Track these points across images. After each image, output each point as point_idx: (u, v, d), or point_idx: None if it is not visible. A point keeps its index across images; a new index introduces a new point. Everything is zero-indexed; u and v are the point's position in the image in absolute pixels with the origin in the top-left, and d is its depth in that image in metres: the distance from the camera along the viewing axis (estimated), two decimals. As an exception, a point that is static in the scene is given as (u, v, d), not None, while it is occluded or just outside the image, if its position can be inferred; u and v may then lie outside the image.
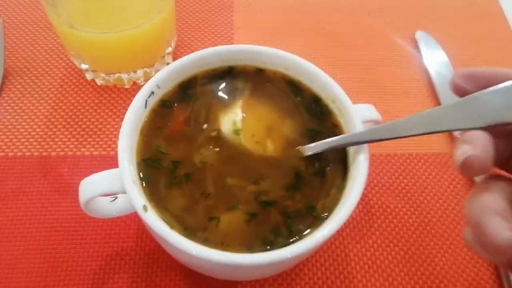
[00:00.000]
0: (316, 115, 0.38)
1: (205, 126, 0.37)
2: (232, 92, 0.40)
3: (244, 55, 0.40)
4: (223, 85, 0.40)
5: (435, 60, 0.57)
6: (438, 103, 0.53)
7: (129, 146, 0.33)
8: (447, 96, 0.53)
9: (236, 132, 0.36)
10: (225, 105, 0.38)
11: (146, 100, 0.36)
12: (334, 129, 0.37)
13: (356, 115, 0.36)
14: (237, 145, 0.36)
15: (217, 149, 0.35)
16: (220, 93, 0.39)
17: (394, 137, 0.31)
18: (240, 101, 0.38)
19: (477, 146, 0.25)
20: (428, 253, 0.43)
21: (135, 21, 0.42)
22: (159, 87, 0.37)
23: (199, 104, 0.38)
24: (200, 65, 0.39)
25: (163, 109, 0.37)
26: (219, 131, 0.36)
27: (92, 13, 0.41)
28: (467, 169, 0.25)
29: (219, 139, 0.36)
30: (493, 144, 0.26)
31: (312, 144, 0.35)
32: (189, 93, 0.38)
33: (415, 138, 0.49)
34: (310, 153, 0.35)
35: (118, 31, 0.42)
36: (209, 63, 0.39)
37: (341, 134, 0.37)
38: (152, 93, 0.36)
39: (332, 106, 0.38)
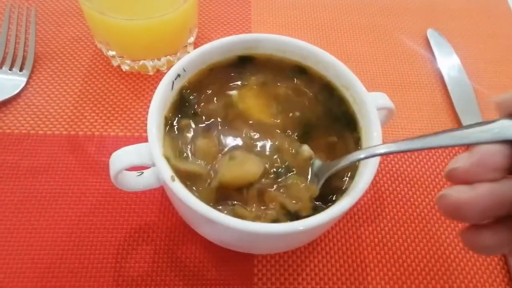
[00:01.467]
0: (331, 102, 0.40)
1: (226, 109, 0.39)
2: (252, 77, 0.42)
3: (265, 44, 0.42)
4: (243, 70, 0.42)
5: (446, 57, 0.59)
6: (449, 98, 0.55)
7: (157, 122, 0.35)
8: (456, 90, 0.55)
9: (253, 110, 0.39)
10: (246, 87, 0.40)
11: (173, 82, 0.38)
12: (348, 115, 0.39)
13: (371, 102, 0.38)
14: (257, 123, 0.38)
15: (240, 128, 0.37)
16: (241, 78, 0.41)
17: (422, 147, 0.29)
18: (257, 85, 0.40)
19: (474, 158, 0.24)
20: (438, 238, 0.44)
21: (161, 9, 0.45)
22: (185, 70, 0.39)
23: (221, 88, 0.40)
24: (222, 52, 0.41)
25: (188, 91, 0.39)
26: (239, 114, 0.38)
27: (121, 1, 0.44)
28: (449, 179, 0.25)
29: (240, 119, 0.38)
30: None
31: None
32: (212, 77, 0.40)
33: (428, 127, 0.52)
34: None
35: (145, 18, 0.44)
36: (231, 50, 0.41)
37: (354, 120, 0.38)
38: (178, 75, 0.39)
39: (347, 94, 0.40)
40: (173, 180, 0.32)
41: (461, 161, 0.24)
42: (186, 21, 0.49)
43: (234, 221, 0.31)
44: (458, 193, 0.24)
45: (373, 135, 0.35)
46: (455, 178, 0.25)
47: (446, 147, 0.32)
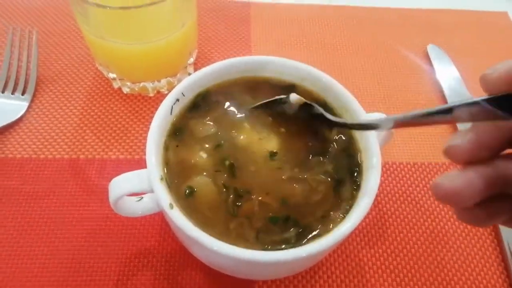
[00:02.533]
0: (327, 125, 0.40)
1: (225, 133, 0.39)
2: (250, 100, 0.42)
3: (262, 66, 0.42)
4: (243, 94, 0.42)
5: (446, 73, 0.59)
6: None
7: (156, 148, 0.35)
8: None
9: (251, 141, 0.38)
10: (243, 112, 0.40)
11: (172, 107, 0.38)
12: (346, 137, 0.39)
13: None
14: (254, 153, 0.38)
15: (237, 155, 0.37)
16: (240, 101, 0.41)
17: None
18: (257, 110, 0.40)
19: (471, 137, 0.25)
20: (441, 260, 0.44)
21: (161, 33, 0.45)
22: (183, 95, 0.39)
23: (220, 112, 0.40)
24: (221, 75, 0.41)
25: (187, 115, 0.39)
26: (238, 139, 0.38)
27: (121, 26, 0.44)
28: (447, 156, 0.26)
29: (238, 147, 0.38)
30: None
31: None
32: (211, 100, 0.41)
33: (428, 146, 0.51)
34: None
35: (145, 42, 0.45)
36: (229, 73, 0.42)
37: (353, 142, 0.38)
38: (177, 100, 0.39)
39: (346, 115, 0.40)
40: (172, 207, 0.32)
41: (459, 139, 0.25)
42: (185, 44, 0.50)
43: (234, 250, 0.31)
44: (451, 181, 0.25)
45: (372, 161, 0.35)
46: (452, 155, 0.26)
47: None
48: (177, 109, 0.39)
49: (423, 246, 0.45)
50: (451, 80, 0.58)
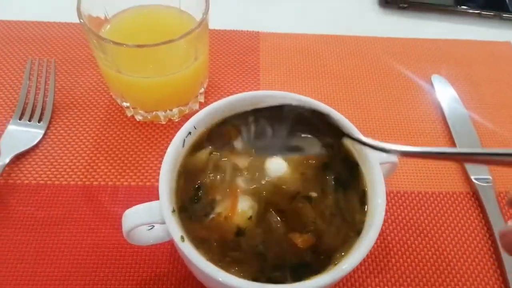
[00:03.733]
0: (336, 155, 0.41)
1: (236, 168, 0.40)
2: (260, 132, 0.43)
3: (269, 100, 0.43)
4: (251, 126, 0.43)
5: (450, 103, 0.60)
6: (454, 146, 0.56)
7: (168, 181, 0.37)
8: (462, 139, 0.56)
9: (266, 177, 0.40)
10: (254, 145, 0.42)
11: (184, 140, 0.40)
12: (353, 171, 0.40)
13: (374, 157, 0.39)
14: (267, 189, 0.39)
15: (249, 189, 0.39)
16: (250, 133, 0.43)
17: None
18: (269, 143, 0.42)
19: None
20: (447, 285, 0.45)
21: (174, 68, 0.47)
22: (195, 128, 0.41)
23: (230, 145, 0.42)
24: (231, 108, 0.43)
25: (200, 147, 0.41)
26: (250, 173, 0.40)
27: (136, 61, 0.46)
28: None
29: (251, 181, 0.39)
30: None
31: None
32: (222, 133, 0.42)
33: (433, 176, 0.52)
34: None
35: (159, 76, 0.47)
36: (238, 106, 0.43)
37: (360, 172, 0.40)
38: (189, 133, 0.40)
39: (351, 148, 0.41)
40: (183, 240, 0.34)
41: None
42: (197, 76, 0.52)
43: (245, 283, 0.32)
44: None
45: (377, 201, 0.36)
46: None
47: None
48: (189, 142, 0.41)
49: (427, 275, 0.45)
50: (455, 109, 0.59)
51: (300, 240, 0.36)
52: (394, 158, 0.41)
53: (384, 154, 0.41)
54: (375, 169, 0.38)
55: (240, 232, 0.36)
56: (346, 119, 0.41)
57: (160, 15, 0.53)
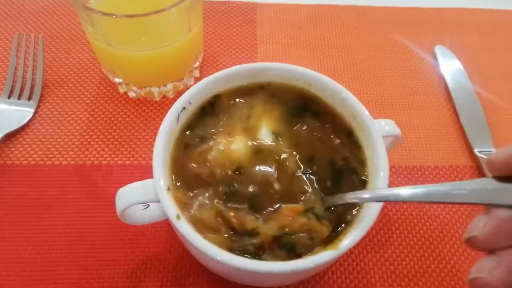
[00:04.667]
0: (336, 132, 0.40)
1: (233, 140, 0.39)
2: (257, 107, 0.42)
3: (269, 72, 0.42)
4: (249, 100, 0.42)
5: (454, 75, 0.58)
6: (457, 116, 0.54)
7: (162, 158, 0.35)
8: (465, 109, 0.54)
9: (260, 145, 0.39)
10: (251, 119, 0.40)
11: (178, 115, 0.38)
12: (353, 146, 0.39)
13: (376, 131, 0.38)
14: (263, 161, 0.38)
15: (244, 164, 0.37)
16: (247, 108, 0.41)
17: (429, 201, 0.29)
18: (265, 117, 0.41)
19: (491, 226, 0.25)
20: (446, 263, 0.44)
21: (167, 40, 0.45)
22: (190, 103, 0.39)
23: (227, 119, 0.40)
24: (227, 82, 0.41)
25: (194, 123, 0.39)
26: (245, 146, 0.38)
27: (127, 33, 0.44)
28: (469, 246, 0.26)
29: (246, 154, 0.38)
30: None
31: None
32: (217, 108, 0.41)
33: (436, 149, 0.51)
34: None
35: (152, 49, 0.45)
36: (235, 79, 0.41)
37: (361, 148, 0.38)
38: (184, 108, 0.39)
39: (353, 122, 0.40)
40: (178, 218, 0.32)
41: (479, 229, 0.25)
42: (191, 49, 0.50)
43: (240, 261, 0.31)
44: (490, 273, 0.24)
45: (379, 175, 0.35)
46: (475, 246, 0.26)
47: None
48: (184, 118, 0.39)
49: (429, 250, 0.45)
50: (459, 81, 0.57)
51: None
52: (397, 131, 0.40)
53: (386, 127, 0.40)
54: (377, 142, 0.37)
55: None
56: (354, 97, 0.39)
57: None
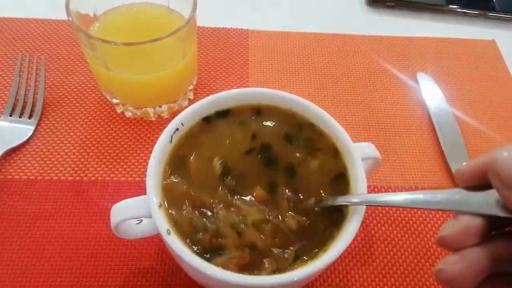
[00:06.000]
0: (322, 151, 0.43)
1: (219, 163, 0.41)
2: (245, 127, 0.44)
3: (256, 96, 0.44)
4: (237, 121, 0.44)
5: (435, 101, 0.61)
6: (438, 143, 0.57)
7: (155, 177, 0.38)
8: (446, 137, 0.57)
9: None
10: (239, 139, 0.43)
11: (171, 136, 0.41)
12: (338, 165, 0.42)
13: (357, 153, 0.40)
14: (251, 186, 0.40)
15: (232, 188, 0.40)
16: (235, 129, 0.44)
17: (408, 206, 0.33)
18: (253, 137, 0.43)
19: (459, 227, 0.28)
20: (426, 281, 0.46)
21: (163, 65, 0.48)
22: (182, 124, 0.42)
23: (218, 139, 0.43)
24: (218, 104, 0.44)
25: (186, 144, 0.42)
26: (233, 170, 0.41)
27: (125, 59, 0.47)
28: (440, 245, 0.29)
29: (234, 178, 0.40)
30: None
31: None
32: (209, 128, 0.43)
33: (416, 171, 0.54)
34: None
35: (148, 74, 0.48)
36: (225, 103, 0.44)
37: (343, 169, 0.41)
38: (177, 129, 0.41)
39: (338, 143, 0.43)
40: (169, 233, 0.35)
41: (448, 230, 0.28)
42: (186, 74, 0.52)
43: (230, 276, 0.33)
44: (451, 265, 0.28)
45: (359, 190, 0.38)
46: (445, 244, 0.29)
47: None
48: (177, 138, 0.42)
49: (409, 267, 0.47)
50: (439, 106, 0.60)
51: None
52: (376, 154, 0.42)
53: (366, 150, 0.43)
54: (357, 164, 0.40)
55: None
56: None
57: (148, 13, 0.54)
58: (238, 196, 0.39)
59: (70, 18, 0.45)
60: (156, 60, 0.47)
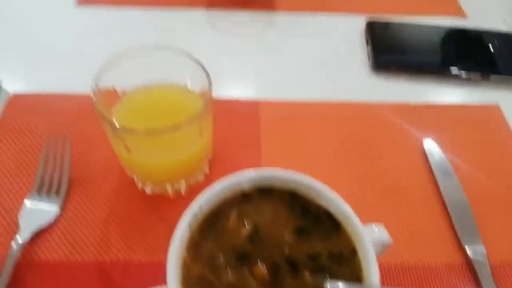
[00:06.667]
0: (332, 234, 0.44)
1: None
2: (260, 209, 0.46)
3: (267, 178, 0.47)
4: (254, 203, 0.46)
5: (441, 167, 0.62)
6: (447, 217, 0.58)
7: (175, 266, 0.40)
8: (453, 204, 0.59)
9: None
10: (255, 221, 0.45)
11: (190, 224, 0.43)
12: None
13: (367, 237, 0.42)
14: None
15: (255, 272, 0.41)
16: (252, 210, 0.46)
17: None
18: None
19: None
20: None
21: (181, 147, 0.51)
22: (201, 209, 0.44)
23: (233, 224, 0.45)
24: (234, 186, 0.46)
25: (206, 228, 0.44)
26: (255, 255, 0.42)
27: (145, 145, 0.50)
28: None
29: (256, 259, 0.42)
30: None
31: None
32: (227, 213, 0.45)
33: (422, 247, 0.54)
34: None
35: (168, 157, 0.51)
36: (241, 185, 0.47)
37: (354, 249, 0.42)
38: (195, 215, 0.44)
39: (347, 228, 0.44)
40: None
41: None
42: (202, 153, 0.56)
43: None
44: None
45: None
46: None
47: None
48: (196, 224, 0.44)
49: None
50: (445, 174, 0.62)
51: None
52: (387, 238, 0.44)
53: (376, 234, 0.45)
54: (369, 251, 0.41)
55: None
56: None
57: (168, 95, 0.57)
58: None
59: (95, 106, 0.48)
60: (175, 144, 0.50)
